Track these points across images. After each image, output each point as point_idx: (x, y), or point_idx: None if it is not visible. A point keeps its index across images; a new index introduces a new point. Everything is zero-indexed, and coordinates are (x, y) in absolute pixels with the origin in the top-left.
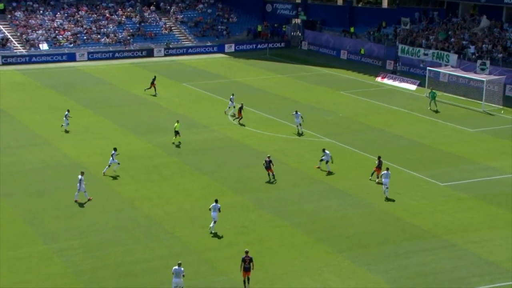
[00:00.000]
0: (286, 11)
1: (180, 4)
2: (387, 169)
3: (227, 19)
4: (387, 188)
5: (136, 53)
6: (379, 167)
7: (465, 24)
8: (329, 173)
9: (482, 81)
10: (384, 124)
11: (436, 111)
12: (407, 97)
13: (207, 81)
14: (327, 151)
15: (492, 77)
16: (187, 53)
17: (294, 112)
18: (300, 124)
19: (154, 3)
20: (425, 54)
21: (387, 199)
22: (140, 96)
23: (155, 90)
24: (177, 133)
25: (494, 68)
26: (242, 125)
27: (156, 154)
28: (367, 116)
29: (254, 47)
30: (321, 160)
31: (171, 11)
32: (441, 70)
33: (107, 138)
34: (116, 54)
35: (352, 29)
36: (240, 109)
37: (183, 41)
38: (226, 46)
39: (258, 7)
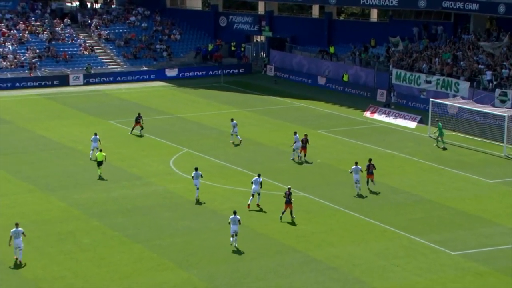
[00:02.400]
0: (246, 26)
1: (104, 16)
2: (356, 163)
3: (168, 35)
4: (357, 184)
5: (45, 82)
6: (370, 172)
7: (478, 42)
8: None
9: (502, 117)
10: (376, 173)
11: (444, 149)
12: (405, 137)
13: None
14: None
15: None
16: (114, 81)
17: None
18: (237, 134)
19: (69, 14)
20: (428, 82)
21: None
22: (51, 139)
23: (141, 128)
24: (100, 164)
25: None
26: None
27: (72, 216)
28: (353, 162)
29: (204, 73)
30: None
31: (92, 25)
32: (449, 102)
33: (4, 196)
34: (17, 83)
35: (332, 49)
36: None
37: (109, 65)
38: (167, 71)
39: (209, 21)
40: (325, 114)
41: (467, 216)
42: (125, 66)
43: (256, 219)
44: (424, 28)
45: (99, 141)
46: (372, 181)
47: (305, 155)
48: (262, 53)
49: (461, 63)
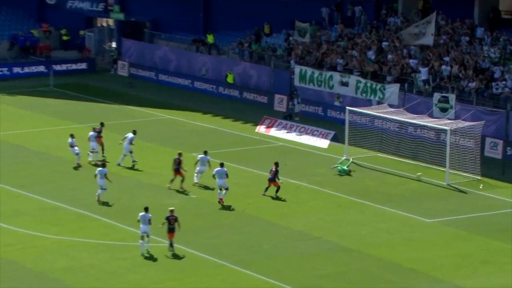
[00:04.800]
0: (86, 4)
1: None
2: (221, 164)
3: None
4: (222, 190)
5: None
6: (272, 179)
7: (400, 31)
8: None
9: (443, 131)
10: (273, 212)
11: (347, 173)
12: (314, 161)
13: None
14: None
15: (460, 123)
16: None
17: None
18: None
19: None
20: (343, 84)
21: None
22: None
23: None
24: None
25: (463, 107)
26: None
27: None
28: (245, 200)
29: (24, 72)
30: None
31: None
32: (371, 111)
33: None
34: None
35: (210, 38)
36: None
37: None
38: None
39: None
40: (202, 130)
41: (397, 269)
42: None
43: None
44: (337, 8)
45: None
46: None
47: (182, 181)
48: (110, 44)
49: (388, 56)
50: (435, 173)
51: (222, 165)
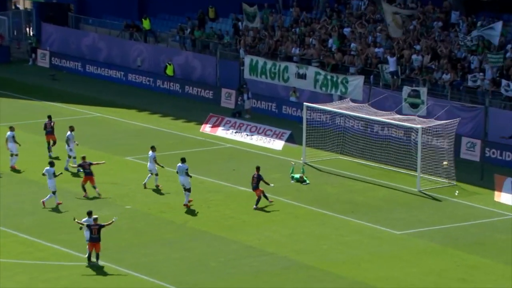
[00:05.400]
0: None
1: None
2: (183, 160)
3: None
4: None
5: None
6: (256, 186)
7: (376, 10)
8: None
9: (414, 130)
10: (216, 226)
11: (302, 182)
12: (267, 165)
13: None
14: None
15: (433, 121)
16: None
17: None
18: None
19: None
20: (300, 76)
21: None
22: None
23: (49, 147)
24: None
25: (436, 102)
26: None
27: None
28: (175, 211)
29: None
30: None
31: None
32: (332, 108)
33: None
34: None
35: (146, 24)
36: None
37: None
38: None
39: None
40: (138, 130)
41: None
42: None
43: None
44: None
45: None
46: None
47: (95, 189)
48: (28, 29)
49: (351, 44)
50: (404, 179)
51: (183, 160)
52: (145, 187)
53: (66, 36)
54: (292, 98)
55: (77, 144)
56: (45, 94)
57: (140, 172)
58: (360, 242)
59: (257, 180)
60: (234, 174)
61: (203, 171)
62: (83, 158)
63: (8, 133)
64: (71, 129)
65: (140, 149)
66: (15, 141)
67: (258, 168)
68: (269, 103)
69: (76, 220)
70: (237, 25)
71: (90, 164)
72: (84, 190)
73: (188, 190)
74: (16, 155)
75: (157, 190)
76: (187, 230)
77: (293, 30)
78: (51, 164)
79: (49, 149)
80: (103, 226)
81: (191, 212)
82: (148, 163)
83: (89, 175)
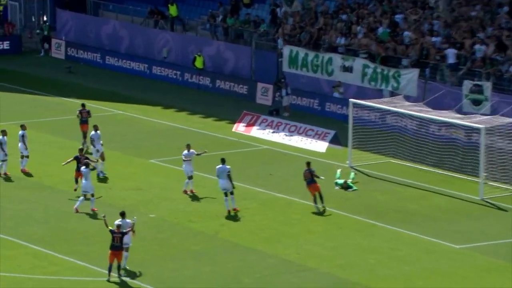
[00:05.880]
0: None
1: None
2: (223, 160)
3: None
4: (227, 195)
5: None
6: (312, 180)
7: None
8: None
9: (476, 131)
10: (251, 238)
11: (348, 187)
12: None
13: None
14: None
15: (498, 120)
16: None
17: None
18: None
19: None
20: (346, 69)
21: None
22: None
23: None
24: None
25: (502, 98)
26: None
27: None
28: (204, 221)
29: None
30: None
31: None
32: (382, 105)
33: None
34: None
35: (172, 10)
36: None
37: None
38: None
39: None
40: (164, 130)
41: None
42: None
43: None
44: None
45: None
46: (320, 195)
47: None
48: (41, 17)
49: (404, 34)
50: (465, 185)
51: (224, 161)
52: (187, 193)
53: (83, 24)
54: (337, 94)
55: (102, 145)
56: (60, 89)
57: (166, 176)
58: (413, 257)
59: (310, 175)
60: (271, 179)
61: (236, 175)
62: (81, 150)
63: (19, 132)
64: (96, 128)
65: (166, 151)
66: (25, 142)
67: (308, 163)
68: (311, 100)
69: (104, 217)
70: (275, 11)
71: (86, 159)
72: (76, 182)
73: (232, 193)
74: (27, 157)
75: (185, 197)
76: (218, 242)
77: (338, 17)
78: (86, 165)
79: (85, 142)
80: (126, 233)
81: (222, 222)
82: (184, 165)
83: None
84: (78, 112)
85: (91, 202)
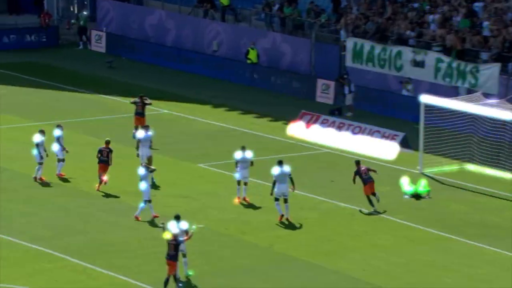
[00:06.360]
0: None
1: None
2: (280, 162)
3: None
4: (284, 200)
5: None
6: (369, 179)
7: None
8: None
9: None
10: (311, 250)
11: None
12: (374, 176)
13: None
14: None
15: None
16: None
17: None
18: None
19: None
20: (417, 64)
21: None
22: None
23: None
24: None
25: None
26: None
27: None
28: (258, 232)
29: None
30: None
31: None
32: (458, 104)
33: None
34: None
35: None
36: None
37: None
38: None
39: None
40: (213, 131)
41: None
42: None
43: None
44: None
45: None
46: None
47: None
48: (79, 7)
49: (483, 24)
50: None
51: (281, 163)
52: (244, 200)
53: (126, 14)
54: (406, 92)
55: (151, 148)
56: (100, 86)
57: (215, 183)
58: (495, 276)
59: (368, 171)
60: (333, 187)
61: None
62: (107, 143)
63: (55, 132)
64: (147, 128)
65: (216, 154)
66: (61, 143)
67: (358, 162)
68: (377, 98)
69: (163, 225)
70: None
71: (110, 151)
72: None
73: (286, 201)
74: (63, 160)
75: (237, 205)
76: (274, 256)
77: (409, 5)
78: (146, 167)
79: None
80: (182, 241)
81: (278, 233)
82: (237, 170)
83: (105, 163)
84: (134, 102)
85: (149, 208)
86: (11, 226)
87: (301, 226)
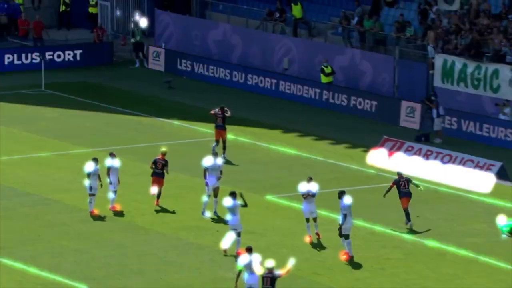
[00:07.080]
0: None
1: None
2: (342, 193)
3: None
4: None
5: None
6: (408, 194)
7: None
8: None
9: None
10: None
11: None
12: (468, 211)
13: None
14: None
15: None
16: None
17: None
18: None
19: None
20: None
21: None
22: None
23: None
24: None
25: None
26: None
27: None
28: (333, 273)
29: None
30: None
31: None
32: None
33: None
34: None
35: (296, 11)
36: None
37: None
38: None
39: None
40: (284, 158)
41: None
42: None
43: None
44: None
45: None
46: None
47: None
48: (135, 19)
49: None
50: None
51: (343, 193)
52: (317, 236)
53: (187, 28)
54: (503, 116)
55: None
56: (158, 108)
57: (285, 217)
58: None
59: (408, 183)
60: (419, 223)
61: (374, 217)
62: (164, 154)
63: (108, 162)
64: (216, 155)
65: (286, 185)
66: (115, 173)
67: (400, 173)
68: (470, 122)
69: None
70: (426, 10)
71: (166, 163)
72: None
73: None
74: (115, 191)
75: (309, 244)
76: None
77: (507, 17)
78: (233, 195)
79: (215, 152)
80: (279, 276)
81: (356, 275)
82: (304, 204)
83: (159, 176)
84: (214, 114)
85: (237, 243)
86: (59, 265)
87: (382, 268)
